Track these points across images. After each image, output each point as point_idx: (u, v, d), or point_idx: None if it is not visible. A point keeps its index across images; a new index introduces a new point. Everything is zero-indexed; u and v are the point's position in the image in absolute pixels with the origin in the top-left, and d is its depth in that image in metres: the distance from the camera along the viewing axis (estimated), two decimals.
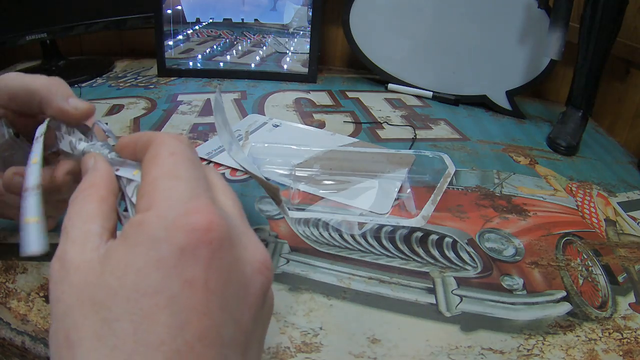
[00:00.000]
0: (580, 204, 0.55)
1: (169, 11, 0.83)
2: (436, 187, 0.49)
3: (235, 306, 0.18)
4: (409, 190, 0.53)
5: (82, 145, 0.27)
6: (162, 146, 0.21)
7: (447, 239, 0.46)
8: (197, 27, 0.86)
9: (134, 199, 0.23)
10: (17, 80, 0.30)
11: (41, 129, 0.27)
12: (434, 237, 0.46)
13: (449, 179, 0.52)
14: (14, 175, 0.31)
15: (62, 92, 0.30)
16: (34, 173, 0.24)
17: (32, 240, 0.22)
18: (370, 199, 0.51)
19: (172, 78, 0.85)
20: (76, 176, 0.30)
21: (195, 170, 0.21)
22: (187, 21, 0.85)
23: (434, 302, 0.39)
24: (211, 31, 0.87)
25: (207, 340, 0.17)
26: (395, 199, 0.51)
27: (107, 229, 0.21)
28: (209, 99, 0.77)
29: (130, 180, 0.23)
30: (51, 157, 0.31)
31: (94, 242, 0.20)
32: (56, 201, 0.31)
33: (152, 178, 0.20)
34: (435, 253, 0.44)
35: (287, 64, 0.88)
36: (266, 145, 0.59)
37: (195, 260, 0.17)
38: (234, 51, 0.88)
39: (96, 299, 0.17)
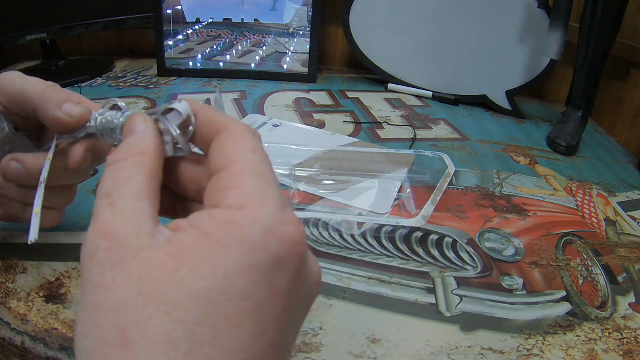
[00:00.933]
0: (580, 204, 0.55)
1: (169, 11, 0.83)
2: (436, 187, 0.49)
3: (299, 316, 0.19)
4: (409, 190, 0.53)
5: (127, 112, 0.24)
6: (244, 139, 0.20)
7: (447, 239, 0.46)
8: (197, 27, 0.86)
9: None
10: (15, 84, 0.30)
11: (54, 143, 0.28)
12: (434, 237, 0.46)
13: (449, 179, 0.52)
14: (11, 160, 0.30)
15: (56, 99, 0.28)
16: (46, 168, 0.24)
17: (33, 230, 0.23)
18: (370, 199, 0.51)
19: (172, 78, 0.85)
20: (96, 155, 0.29)
21: (273, 173, 0.20)
22: (187, 21, 0.85)
23: (434, 302, 0.39)
24: (211, 31, 0.87)
25: (277, 347, 0.17)
26: (396, 199, 0.51)
27: (156, 211, 0.19)
28: (209, 99, 0.77)
29: None
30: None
31: (149, 225, 0.18)
32: (62, 187, 0.32)
33: (237, 171, 0.19)
34: (435, 253, 0.44)
35: (287, 64, 0.88)
36: (266, 145, 0.58)
37: (284, 271, 0.17)
38: (234, 51, 0.88)
39: (170, 297, 0.16)
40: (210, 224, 0.17)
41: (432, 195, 0.49)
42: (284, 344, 0.18)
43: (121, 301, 0.16)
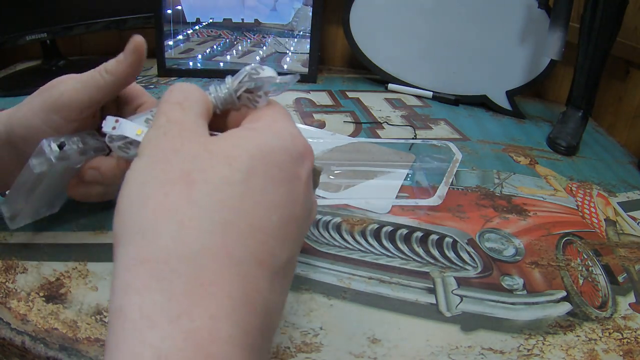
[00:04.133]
0: (580, 204, 0.55)
1: (169, 11, 0.83)
2: (447, 171, 0.51)
3: (307, 214, 0.25)
4: (421, 168, 0.56)
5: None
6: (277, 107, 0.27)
7: (447, 239, 0.46)
8: (197, 27, 0.86)
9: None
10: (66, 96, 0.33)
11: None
12: (434, 237, 0.46)
13: (457, 164, 0.53)
14: (89, 169, 0.34)
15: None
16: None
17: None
18: (372, 196, 0.51)
19: (172, 78, 0.85)
20: (103, 174, 0.34)
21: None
22: (187, 21, 0.85)
23: (434, 302, 0.39)
24: (211, 31, 0.87)
25: (301, 230, 0.23)
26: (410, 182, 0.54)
27: None
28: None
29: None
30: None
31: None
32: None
33: (271, 112, 0.26)
34: (436, 253, 0.44)
35: (287, 64, 0.88)
36: None
37: (303, 163, 0.24)
38: (234, 51, 0.88)
39: (230, 154, 0.21)
40: (254, 125, 0.24)
41: (444, 178, 0.51)
42: (303, 232, 0.24)
43: (187, 154, 0.21)
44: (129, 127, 0.28)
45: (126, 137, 0.28)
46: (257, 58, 0.88)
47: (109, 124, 0.28)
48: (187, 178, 0.20)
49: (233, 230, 0.19)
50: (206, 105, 0.25)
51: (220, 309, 0.18)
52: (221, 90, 0.27)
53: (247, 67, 0.27)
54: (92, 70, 0.33)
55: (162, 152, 0.21)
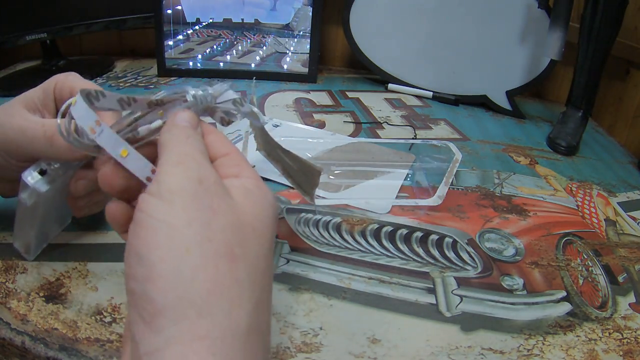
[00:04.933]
0: (580, 204, 0.55)
1: (169, 11, 0.83)
2: (446, 172, 0.51)
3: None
4: (421, 168, 0.56)
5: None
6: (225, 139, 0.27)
7: (447, 239, 0.46)
8: (197, 27, 0.86)
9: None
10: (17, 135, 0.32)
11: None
12: (434, 237, 0.46)
13: (457, 164, 0.54)
14: (77, 181, 0.33)
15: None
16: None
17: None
18: (372, 196, 0.51)
19: (172, 78, 0.85)
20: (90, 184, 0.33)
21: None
22: (187, 21, 0.85)
23: (434, 302, 0.39)
24: (211, 31, 0.87)
25: (267, 251, 0.23)
26: (409, 181, 0.54)
27: None
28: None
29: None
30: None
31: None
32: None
33: (237, 157, 0.26)
34: (435, 253, 0.44)
35: (287, 64, 0.88)
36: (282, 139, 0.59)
37: (275, 218, 0.25)
38: (234, 51, 0.88)
39: (254, 225, 0.23)
40: (249, 185, 0.24)
41: (444, 178, 0.52)
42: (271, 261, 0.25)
43: (224, 222, 0.21)
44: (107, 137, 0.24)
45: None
46: (257, 58, 0.88)
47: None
48: (231, 253, 0.21)
49: (262, 309, 0.21)
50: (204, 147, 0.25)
51: None
52: (202, 100, 0.26)
53: (231, 92, 0.28)
54: (41, 123, 0.31)
55: (203, 211, 0.21)
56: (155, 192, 0.21)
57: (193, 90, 0.26)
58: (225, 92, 0.27)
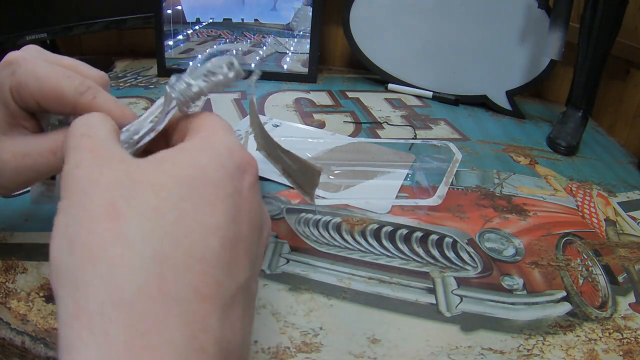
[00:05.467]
0: (580, 204, 0.55)
1: (169, 11, 0.83)
2: (446, 172, 0.52)
3: (257, 238, 0.22)
4: (421, 168, 0.56)
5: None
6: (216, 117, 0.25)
7: (447, 239, 0.46)
8: (197, 27, 0.86)
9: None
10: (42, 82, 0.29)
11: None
12: (434, 237, 0.46)
13: (457, 164, 0.54)
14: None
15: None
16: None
17: None
18: (372, 196, 0.51)
19: None
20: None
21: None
22: (187, 21, 0.85)
23: (434, 302, 0.39)
24: (211, 31, 0.87)
25: (246, 246, 0.20)
26: (409, 181, 0.54)
27: None
28: (209, 99, 0.77)
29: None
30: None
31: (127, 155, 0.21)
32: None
33: (209, 122, 0.23)
34: (435, 253, 0.44)
35: (287, 64, 0.88)
36: (282, 139, 0.59)
37: (244, 177, 0.21)
38: (234, 51, 0.88)
39: (155, 181, 0.19)
40: (186, 144, 0.21)
41: (444, 178, 0.52)
42: (255, 252, 0.21)
43: (107, 183, 0.18)
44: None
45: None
46: (257, 58, 0.88)
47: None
48: (112, 211, 0.18)
49: (167, 264, 0.17)
50: (113, 126, 0.23)
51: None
52: (188, 88, 0.25)
53: (208, 64, 0.26)
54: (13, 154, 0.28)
55: (79, 185, 0.19)
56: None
57: (176, 88, 0.25)
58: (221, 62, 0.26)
